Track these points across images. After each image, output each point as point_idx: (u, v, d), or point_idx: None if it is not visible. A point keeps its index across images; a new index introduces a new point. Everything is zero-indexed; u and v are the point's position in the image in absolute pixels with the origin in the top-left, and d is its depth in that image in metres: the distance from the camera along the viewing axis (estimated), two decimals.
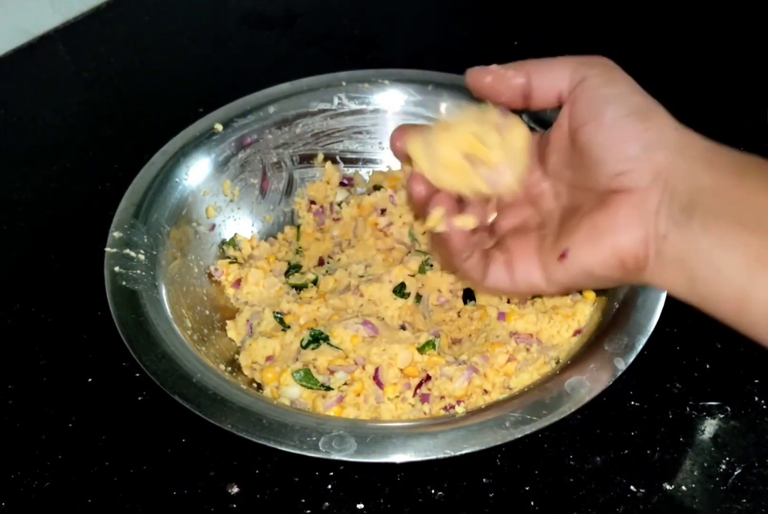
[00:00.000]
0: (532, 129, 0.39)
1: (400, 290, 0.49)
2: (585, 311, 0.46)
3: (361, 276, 0.51)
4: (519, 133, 0.37)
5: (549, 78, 0.37)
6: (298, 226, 0.56)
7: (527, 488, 0.42)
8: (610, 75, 0.36)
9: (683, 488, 0.41)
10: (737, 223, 0.31)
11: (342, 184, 0.57)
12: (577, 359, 0.41)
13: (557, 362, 0.45)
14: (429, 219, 0.38)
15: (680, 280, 0.34)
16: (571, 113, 0.36)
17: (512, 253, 0.39)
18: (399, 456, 0.37)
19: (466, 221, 0.38)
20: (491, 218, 0.40)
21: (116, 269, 0.45)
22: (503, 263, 0.39)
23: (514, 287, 0.39)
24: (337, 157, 0.57)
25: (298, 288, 0.51)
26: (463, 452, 0.37)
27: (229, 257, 0.52)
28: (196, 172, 0.52)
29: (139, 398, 0.46)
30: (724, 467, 0.42)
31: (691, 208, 0.32)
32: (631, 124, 0.34)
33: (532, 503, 0.41)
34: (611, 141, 0.34)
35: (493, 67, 0.38)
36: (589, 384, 0.39)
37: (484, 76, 0.38)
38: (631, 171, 0.34)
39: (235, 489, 0.42)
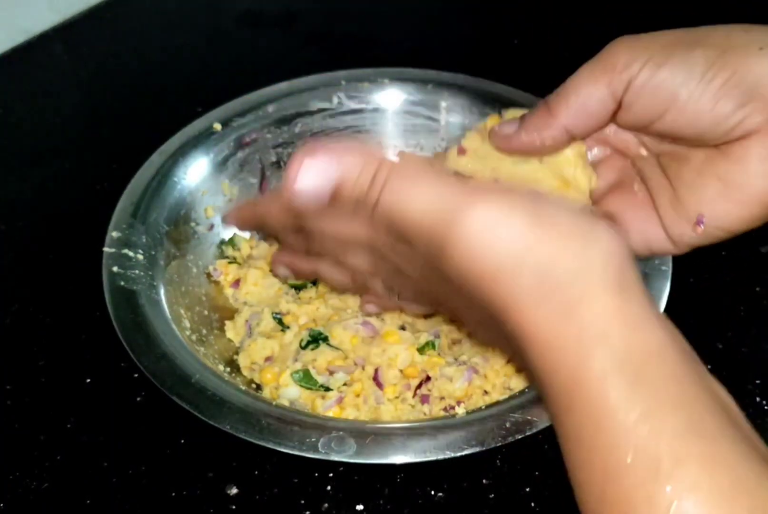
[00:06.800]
0: None
1: None
2: None
3: None
4: None
5: (585, 115, 0.32)
6: None
7: (528, 490, 0.41)
8: (654, 54, 0.31)
9: None
10: None
11: None
12: None
13: None
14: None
15: None
16: (633, 118, 0.32)
17: (618, 213, 0.35)
18: (399, 457, 0.37)
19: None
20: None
21: (114, 269, 0.45)
22: None
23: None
24: None
25: (298, 288, 0.51)
26: (463, 453, 0.37)
27: (227, 257, 0.52)
28: (195, 172, 0.51)
29: (138, 399, 0.46)
30: None
31: None
32: (710, 85, 0.30)
33: (533, 505, 0.41)
34: (702, 115, 0.30)
35: (518, 129, 0.34)
36: None
37: (514, 139, 0.34)
38: (741, 121, 0.30)
39: (234, 490, 0.42)
